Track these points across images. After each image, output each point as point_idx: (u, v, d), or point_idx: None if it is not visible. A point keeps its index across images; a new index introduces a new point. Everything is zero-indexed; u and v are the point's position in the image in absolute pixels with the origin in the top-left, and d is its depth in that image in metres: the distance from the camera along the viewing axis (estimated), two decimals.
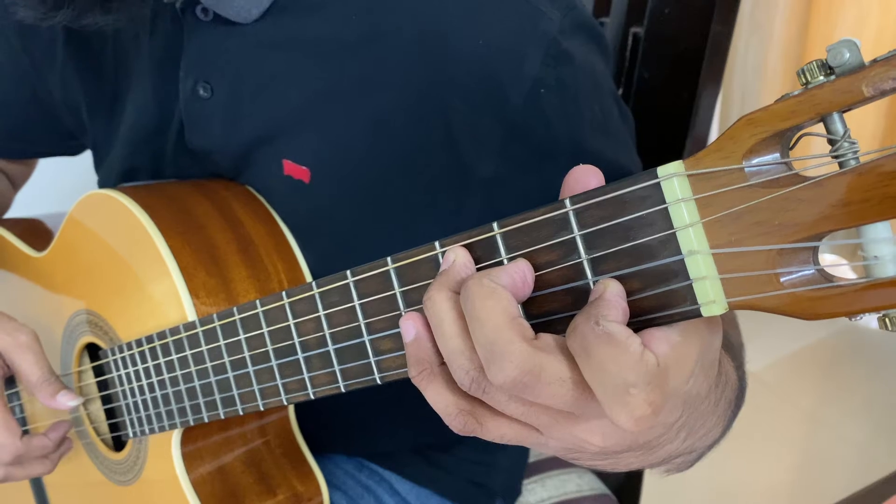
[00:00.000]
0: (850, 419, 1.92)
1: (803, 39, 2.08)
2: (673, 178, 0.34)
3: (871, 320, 0.32)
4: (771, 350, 2.11)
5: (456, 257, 0.40)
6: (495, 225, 0.40)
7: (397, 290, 0.44)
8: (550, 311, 0.39)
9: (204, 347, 0.59)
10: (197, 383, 0.60)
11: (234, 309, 0.55)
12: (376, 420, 0.78)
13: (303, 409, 0.70)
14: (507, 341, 0.35)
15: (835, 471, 1.78)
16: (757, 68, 2.15)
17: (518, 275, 0.38)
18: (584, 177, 0.38)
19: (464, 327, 0.37)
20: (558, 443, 0.40)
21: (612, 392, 0.33)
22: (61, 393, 0.69)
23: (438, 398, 0.40)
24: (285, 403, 0.54)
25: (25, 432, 0.72)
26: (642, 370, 0.33)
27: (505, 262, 0.40)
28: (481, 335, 0.36)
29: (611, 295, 0.35)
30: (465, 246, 0.41)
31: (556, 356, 0.36)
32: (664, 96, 0.86)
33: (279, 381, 0.54)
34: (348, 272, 0.46)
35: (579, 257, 0.37)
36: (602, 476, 0.97)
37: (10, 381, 0.81)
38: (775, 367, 2.08)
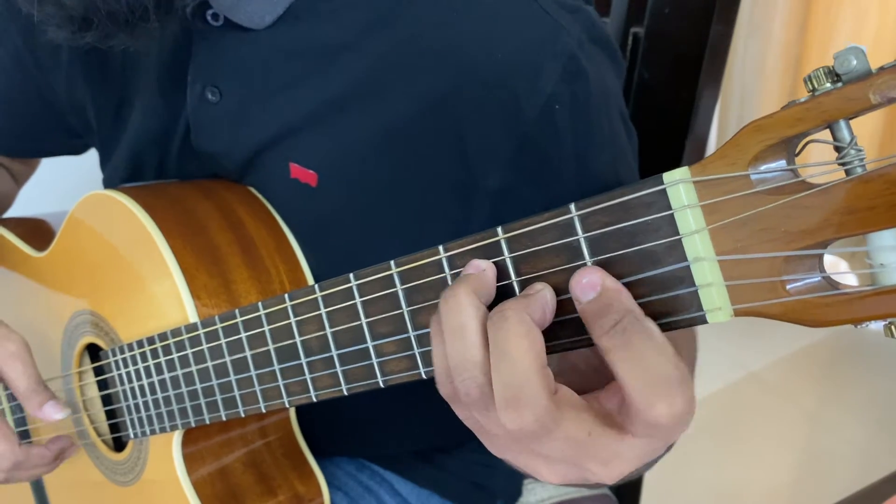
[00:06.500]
0: (850, 419, 1.92)
1: (802, 40, 2.08)
2: (679, 184, 0.34)
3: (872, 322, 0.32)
4: (771, 350, 2.11)
5: (487, 268, 0.39)
6: (499, 230, 0.40)
7: (401, 293, 0.44)
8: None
9: (205, 348, 0.58)
10: (198, 385, 0.60)
11: (237, 311, 0.55)
12: (379, 423, 0.78)
13: (305, 411, 0.70)
14: (534, 393, 0.34)
15: (835, 471, 1.78)
16: (756, 69, 2.15)
17: (548, 308, 0.38)
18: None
19: (484, 342, 0.37)
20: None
21: (655, 383, 0.33)
22: (48, 404, 0.68)
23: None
24: (287, 406, 0.54)
25: (28, 443, 0.71)
26: (681, 366, 0.33)
27: (508, 261, 0.40)
28: (508, 374, 0.35)
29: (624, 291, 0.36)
30: (470, 251, 0.40)
31: (573, 415, 0.35)
32: (664, 96, 0.86)
33: (281, 383, 0.54)
34: (351, 275, 0.46)
35: (583, 261, 0.37)
36: None
37: None
38: (775, 367, 2.08)
